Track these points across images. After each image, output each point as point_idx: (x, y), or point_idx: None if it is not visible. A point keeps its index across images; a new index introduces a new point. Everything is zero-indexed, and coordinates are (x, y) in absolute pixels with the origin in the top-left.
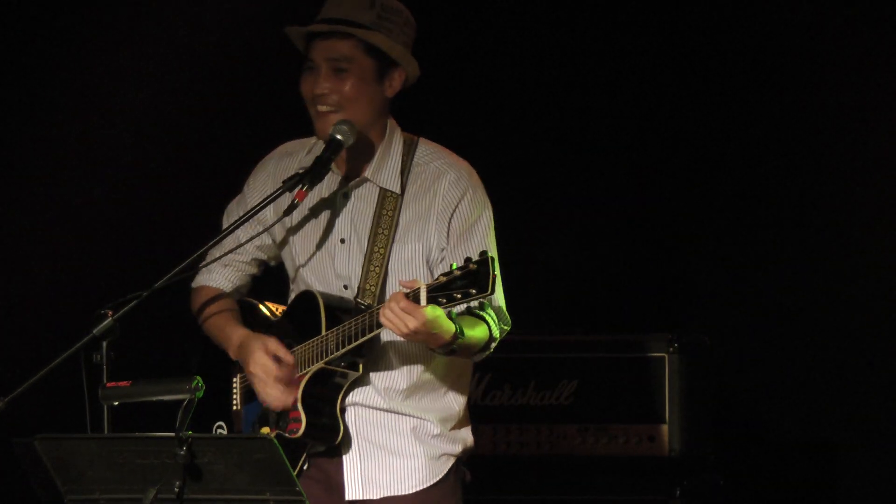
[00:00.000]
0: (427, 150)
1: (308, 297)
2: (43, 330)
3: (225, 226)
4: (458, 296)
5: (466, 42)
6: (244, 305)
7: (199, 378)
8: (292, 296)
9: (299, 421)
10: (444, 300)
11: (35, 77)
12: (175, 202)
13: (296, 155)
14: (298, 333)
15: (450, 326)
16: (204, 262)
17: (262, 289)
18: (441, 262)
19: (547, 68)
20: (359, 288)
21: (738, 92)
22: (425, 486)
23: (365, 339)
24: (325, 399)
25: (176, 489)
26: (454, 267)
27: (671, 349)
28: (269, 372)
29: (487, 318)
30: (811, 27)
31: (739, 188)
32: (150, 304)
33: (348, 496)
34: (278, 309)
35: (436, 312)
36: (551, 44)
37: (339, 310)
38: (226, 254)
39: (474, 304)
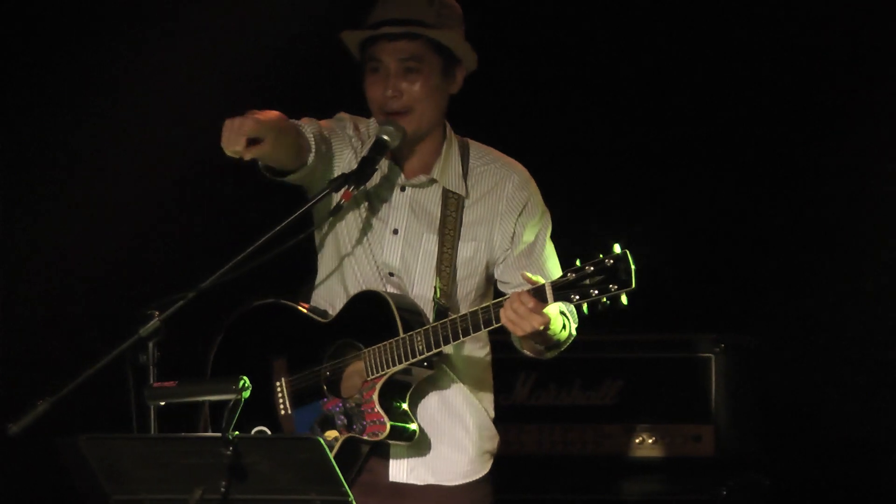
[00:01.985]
0: (481, 152)
1: (372, 297)
2: (89, 330)
3: (317, 125)
4: (595, 292)
5: (506, 39)
6: (282, 309)
7: (245, 378)
8: (331, 286)
9: (382, 423)
10: (577, 296)
11: (82, 76)
12: (223, 202)
13: (360, 137)
14: (365, 335)
15: (559, 323)
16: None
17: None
18: (503, 262)
19: (603, 69)
20: (436, 288)
21: (792, 97)
22: (470, 481)
23: (468, 338)
24: (398, 398)
25: (221, 489)
26: (579, 263)
27: (717, 349)
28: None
29: (569, 314)
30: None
31: (787, 189)
32: (196, 305)
33: (392, 477)
34: (307, 308)
35: (554, 311)
36: (597, 40)
37: (408, 310)
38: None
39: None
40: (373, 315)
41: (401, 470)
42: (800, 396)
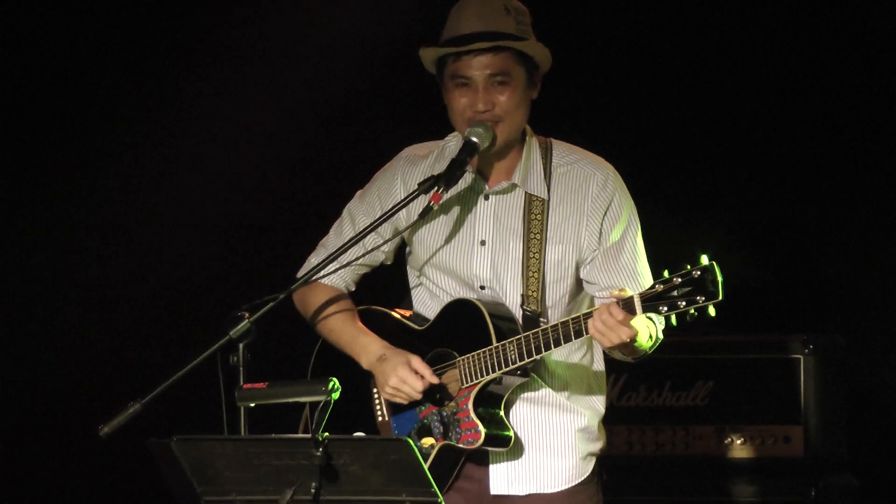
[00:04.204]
0: (565, 152)
1: (465, 305)
2: (180, 332)
3: (349, 229)
4: (683, 304)
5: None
6: (375, 315)
7: (334, 380)
8: (423, 296)
9: (477, 432)
10: (665, 308)
11: (167, 83)
12: (310, 204)
13: (424, 159)
14: (459, 343)
15: (645, 335)
16: (323, 263)
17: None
18: (590, 262)
19: (684, 68)
20: (523, 296)
21: (873, 93)
22: (572, 486)
23: (558, 348)
24: (493, 406)
25: (312, 490)
26: (668, 275)
27: (806, 350)
28: (414, 391)
29: (655, 319)
30: None
31: (875, 188)
32: (284, 306)
33: (493, 490)
34: (404, 314)
35: (641, 322)
36: (673, 43)
37: (502, 318)
38: (353, 260)
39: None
40: (467, 324)
41: (501, 481)
42: (890, 397)
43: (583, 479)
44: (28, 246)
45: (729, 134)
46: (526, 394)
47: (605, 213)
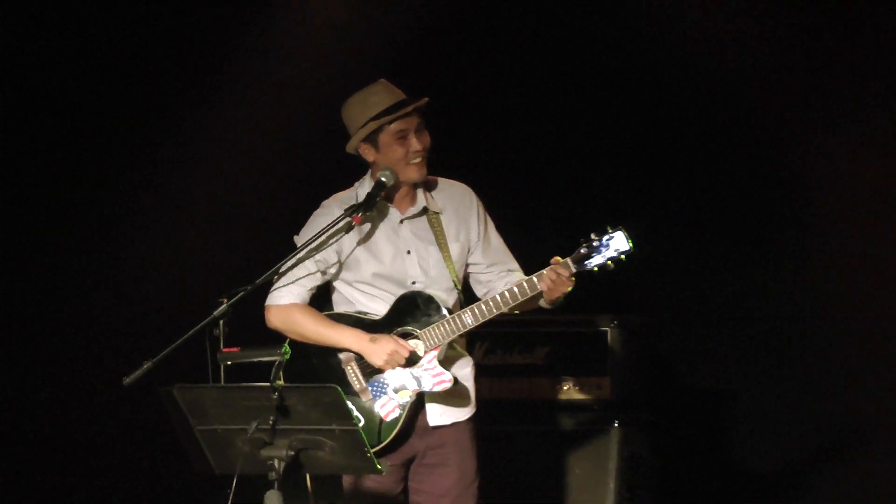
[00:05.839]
0: (429, 180)
1: (414, 295)
2: (179, 312)
3: (305, 255)
4: (605, 258)
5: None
6: (339, 316)
7: (286, 345)
8: (359, 299)
9: (448, 377)
10: (592, 264)
11: (166, 83)
12: (276, 214)
13: (350, 199)
14: (419, 320)
15: None
16: (284, 284)
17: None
18: (475, 249)
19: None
20: (454, 281)
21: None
22: (471, 415)
23: (507, 309)
24: (441, 361)
25: (270, 422)
26: (584, 241)
27: (612, 324)
28: (403, 357)
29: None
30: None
31: (678, 185)
32: (254, 296)
33: (431, 423)
34: (354, 313)
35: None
36: (548, 43)
37: (441, 299)
38: (307, 275)
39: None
40: (421, 307)
41: (436, 415)
42: (675, 356)
43: (474, 411)
44: (42, 246)
45: (560, 127)
46: (447, 353)
47: (477, 214)
